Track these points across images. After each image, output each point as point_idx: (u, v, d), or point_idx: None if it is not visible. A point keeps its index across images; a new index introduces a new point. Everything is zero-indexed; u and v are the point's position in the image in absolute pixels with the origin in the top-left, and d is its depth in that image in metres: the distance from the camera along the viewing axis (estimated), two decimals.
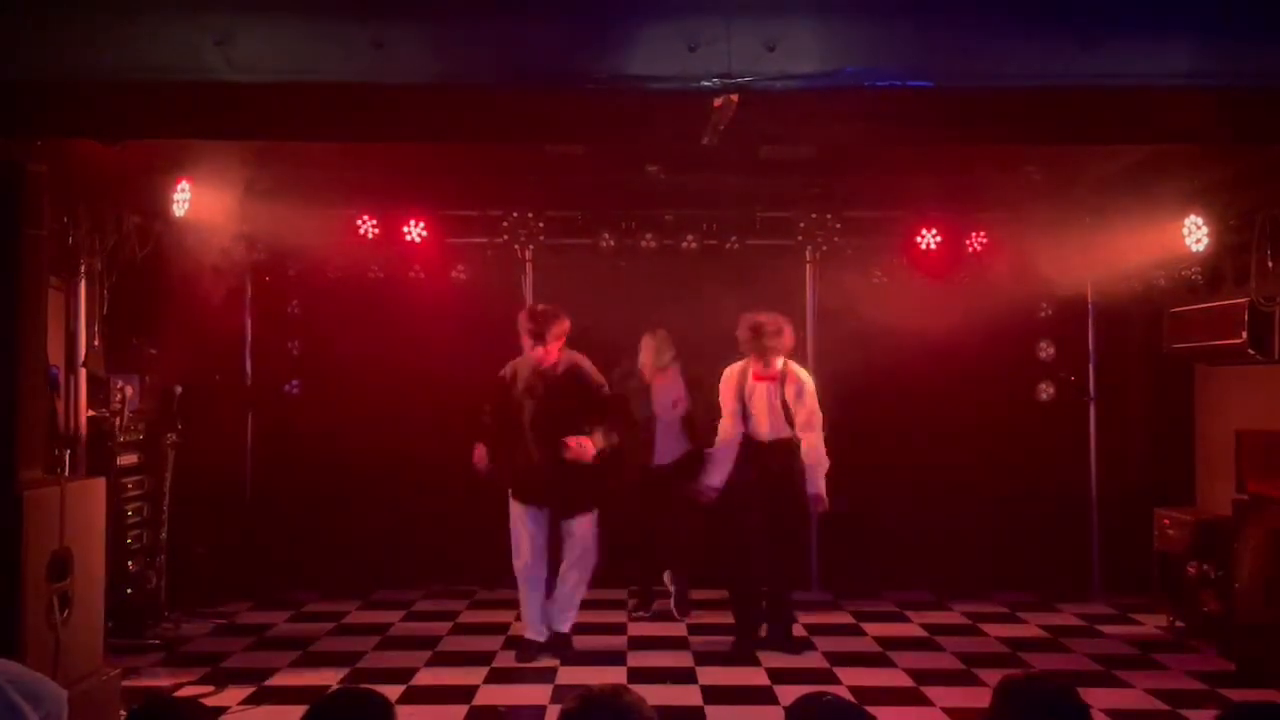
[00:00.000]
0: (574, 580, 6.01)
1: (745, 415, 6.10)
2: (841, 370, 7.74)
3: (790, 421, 6.08)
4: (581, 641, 6.15)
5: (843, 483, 7.43)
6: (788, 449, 6.08)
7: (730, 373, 6.21)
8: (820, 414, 6.10)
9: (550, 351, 5.82)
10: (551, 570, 6.08)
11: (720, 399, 6.19)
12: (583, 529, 5.96)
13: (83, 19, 3.66)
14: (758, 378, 6.08)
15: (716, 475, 6.08)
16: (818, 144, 6.21)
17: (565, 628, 6.03)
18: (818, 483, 6.02)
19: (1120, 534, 7.62)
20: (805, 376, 6.17)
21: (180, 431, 6.60)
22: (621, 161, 6.85)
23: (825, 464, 6.04)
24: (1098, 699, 4.90)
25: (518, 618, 6.95)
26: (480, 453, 6.00)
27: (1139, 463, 7.66)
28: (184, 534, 6.72)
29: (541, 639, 5.95)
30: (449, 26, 3.75)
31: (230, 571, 7.31)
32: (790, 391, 6.07)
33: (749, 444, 6.11)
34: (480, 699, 5.25)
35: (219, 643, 6.31)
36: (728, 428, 6.12)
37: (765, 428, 6.09)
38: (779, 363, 6.08)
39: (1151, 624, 6.78)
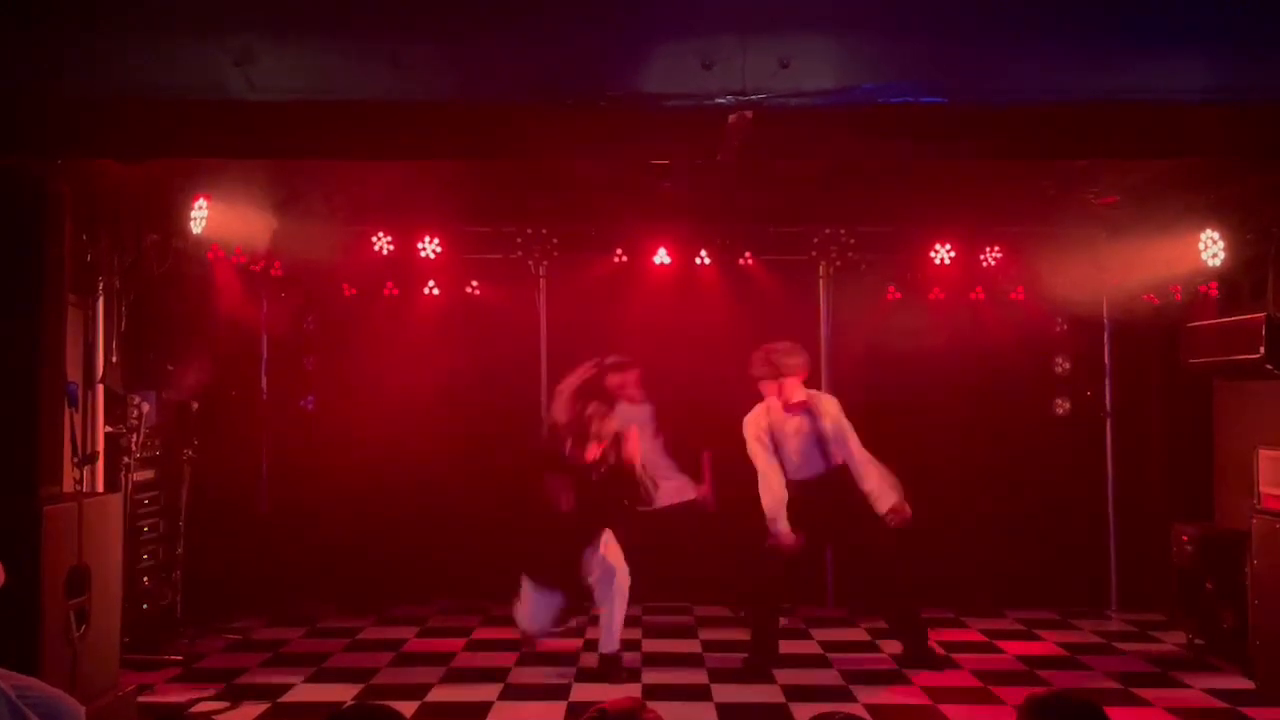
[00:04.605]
0: (606, 610, 5.98)
1: (776, 453, 5.98)
2: (855, 386, 7.73)
3: (825, 456, 5.99)
4: (595, 659, 6.14)
5: None
6: (824, 485, 5.98)
7: (753, 416, 6.02)
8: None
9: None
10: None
11: (749, 449, 6.01)
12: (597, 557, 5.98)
13: (105, 40, 3.71)
14: (789, 408, 5.92)
15: (780, 521, 5.93)
16: (831, 159, 6.22)
17: (612, 648, 5.95)
18: (892, 498, 5.90)
19: (1138, 550, 7.57)
20: (835, 408, 6.02)
21: (196, 447, 6.63)
22: (635, 177, 6.88)
23: (892, 480, 5.93)
24: (1117, 717, 4.83)
25: None
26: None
27: (1156, 478, 7.61)
28: (199, 550, 6.74)
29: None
30: (466, 45, 3.78)
31: (245, 587, 7.33)
32: (827, 427, 5.94)
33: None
34: (494, 716, 5.24)
35: (234, 658, 6.31)
36: (769, 472, 5.95)
37: (796, 466, 5.99)
38: (803, 392, 5.93)
39: (1170, 641, 6.73)
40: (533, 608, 6.13)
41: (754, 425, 6.05)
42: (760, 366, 6.03)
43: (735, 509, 6.92)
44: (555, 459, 5.94)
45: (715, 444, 7.14)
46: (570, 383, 6.21)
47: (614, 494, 6.00)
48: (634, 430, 5.89)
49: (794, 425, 6.00)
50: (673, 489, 7.09)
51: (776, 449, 6.01)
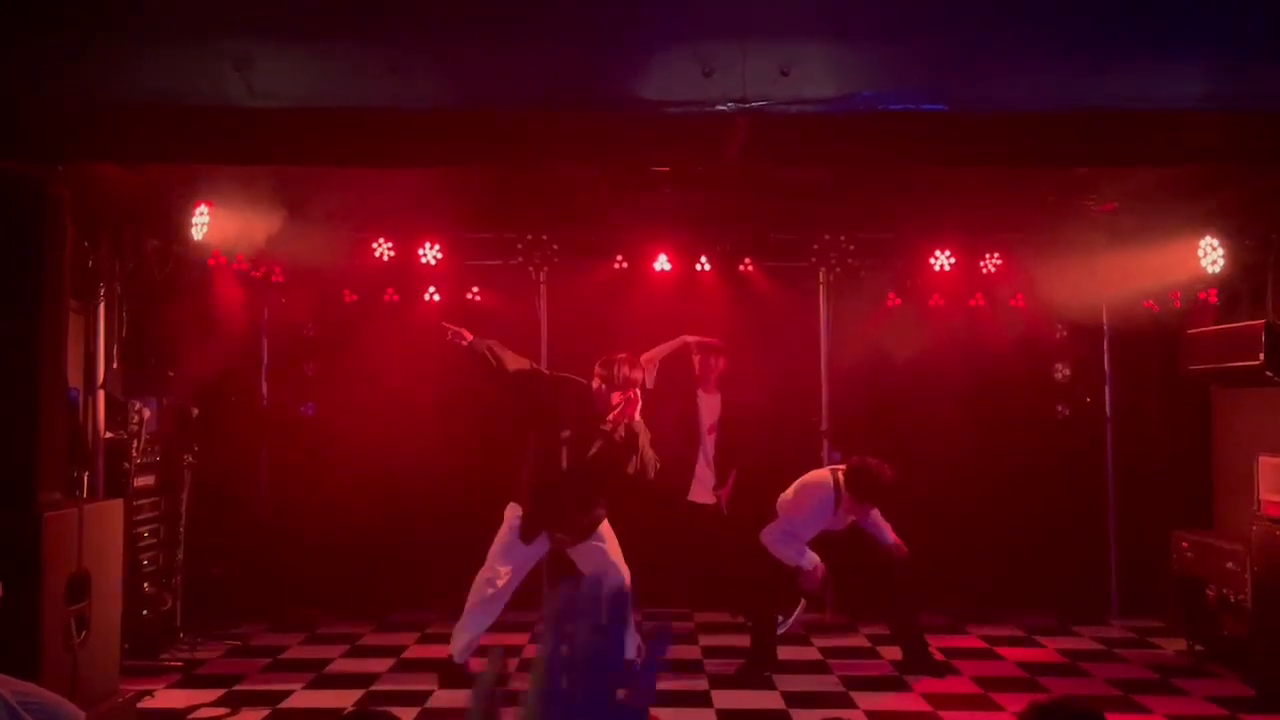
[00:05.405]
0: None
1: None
2: (855, 391, 7.76)
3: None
4: None
5: None
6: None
7: (822, 505, 5.93)
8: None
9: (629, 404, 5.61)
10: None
11: (800, 517, 5.92)
12: (595, 553, 5.89)
13: (106, 44, 3.72)
14: (854, 521, 6.04)
15: (804, 558, 5.89)
16: (831, 165, 6.23)
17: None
18: (890, 535, 6.15)
19: (1138, 557, 7.56)
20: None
21: (197, 453, 6.63)
22: (636, 183, 6.89)
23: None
24: None
25: (531, 640, 6.97)
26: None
27: (1156, 485, 7.60)
28: (200, 555, 6.74)
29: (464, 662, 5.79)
30: (466, 52, 3.79)
31: (245, 593, 7.32)
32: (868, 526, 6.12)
33: None
34: None
35: (234, 664, 6.31)
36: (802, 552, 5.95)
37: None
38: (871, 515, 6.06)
39: (1170, 648, 6.72)
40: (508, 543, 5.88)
41: (821, 513, 5.96)
42: (859, 488, 5.89)
43: (738, 515, 6.95)
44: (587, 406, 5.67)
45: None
46: (657, 352, 6.33)
47: (616, 459, 5.70)
48: (636, 394, 5.72)
49: (844, 533, 6.11)
50: (701, 488, 7.20)
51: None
